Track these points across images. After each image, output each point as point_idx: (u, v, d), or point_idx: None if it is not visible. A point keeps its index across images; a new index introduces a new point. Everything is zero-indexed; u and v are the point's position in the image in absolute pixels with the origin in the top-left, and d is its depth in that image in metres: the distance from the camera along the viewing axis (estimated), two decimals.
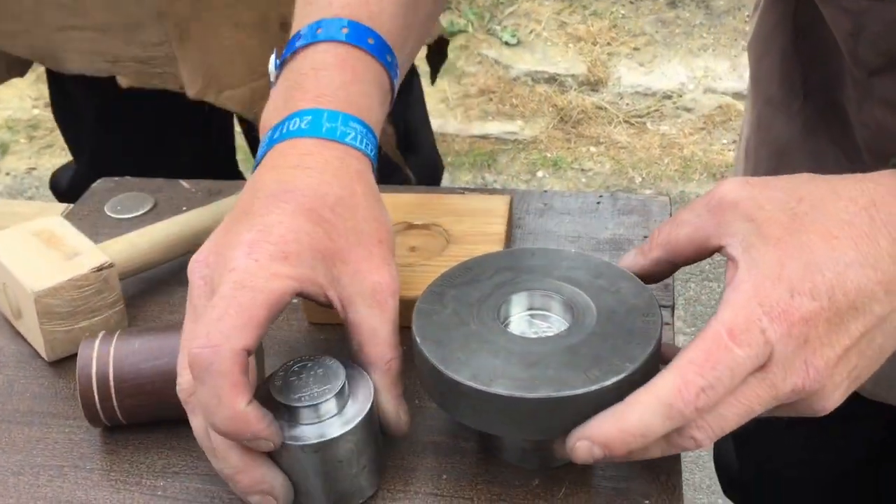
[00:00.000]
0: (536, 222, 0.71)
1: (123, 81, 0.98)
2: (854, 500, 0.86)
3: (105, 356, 0.54)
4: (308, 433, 0.47)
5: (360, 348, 0.50)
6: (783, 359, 0.43)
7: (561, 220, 0.71)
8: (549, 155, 2.57)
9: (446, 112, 2.77)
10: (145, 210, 0.77)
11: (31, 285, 0.59)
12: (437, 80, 2.88)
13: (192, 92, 0.98)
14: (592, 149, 2.58)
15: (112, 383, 0.53)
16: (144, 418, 0.55)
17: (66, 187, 1.25)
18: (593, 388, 0.45)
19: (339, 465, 0.48)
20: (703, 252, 0.49)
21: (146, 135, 1.12)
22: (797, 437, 0.82)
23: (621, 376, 0.45)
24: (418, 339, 0.49)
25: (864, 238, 0.44)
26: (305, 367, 0.49)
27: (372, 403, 0.48)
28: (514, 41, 2.93)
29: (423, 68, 1.21)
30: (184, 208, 0.77)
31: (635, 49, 2.87)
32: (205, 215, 0.70)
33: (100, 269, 0.61)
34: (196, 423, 0.48)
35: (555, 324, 0.51)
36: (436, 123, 2.77)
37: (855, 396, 0.48)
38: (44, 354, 0.61)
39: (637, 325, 0.48)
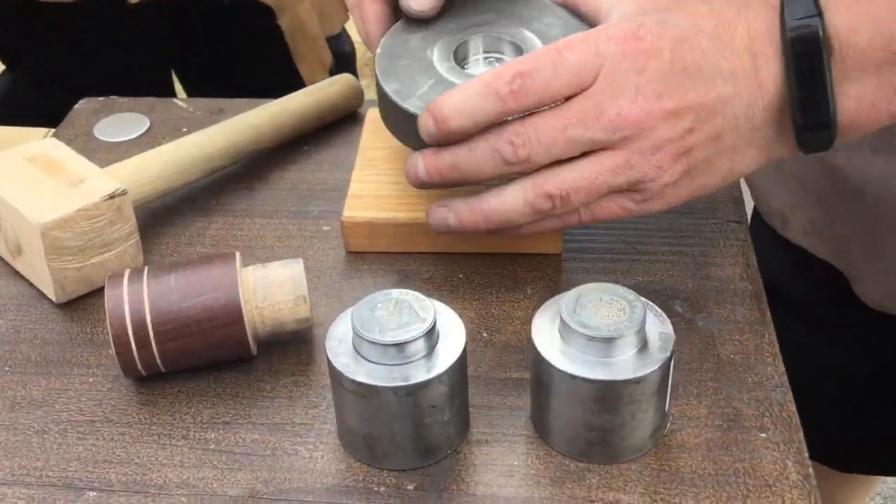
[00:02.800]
0: None
1: None
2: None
3: (139, 296, 0.47)
4: (398, 374, 0.41)
5: None
6: (613, 76, 0.44)
7: None
8: None
9: None
10: (140, 132, 0.69)
11: (36, 217, 0.51)
12: None
13: None
14: None
15: (150, 327, 0.46)
16: (186, 364, 0.48)
17: None
18: None
19: (433, 410, 0.42)
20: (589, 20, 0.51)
21: (80, 46, 1.02)
22: None
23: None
24: (378, 50, 0.53)
25: (726, 24, 0.45)
26: (390, 303, 0.43)
27: (465, 345, 0.43)
28: None
29: None
30: (184, 130, 0.69)
31: None
32: (215, 136, 0.62)
33: (112, 196, 0.53)
34: None
35: None
36: None
37: None
38: (52, 295, 0.53)
39: None
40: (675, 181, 0.46)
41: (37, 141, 0.59)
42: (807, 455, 0.44)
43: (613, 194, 0.47)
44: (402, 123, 0.51)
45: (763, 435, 0.44)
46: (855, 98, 0.45)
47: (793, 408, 0.46)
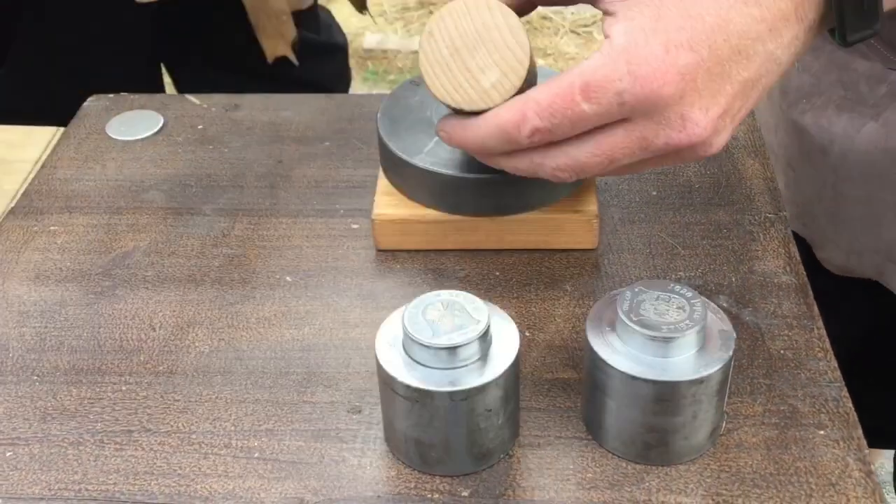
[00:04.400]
0: None
1: None
2: None
3: None
4: (452, 378, 0.40)
5: None
6: (652, 114, 0.42)
7: None
8: None
9: (385, 26, 2.64)
10: (155, 130, 0.67)
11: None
12: None
13: None
14: (541, 61, 2.51)
15: None
16: None
17: None
18: (496, 175, 0.50)
19: (488, 414, 0.41)
20: None
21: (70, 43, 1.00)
22: None
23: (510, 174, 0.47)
24: (379, 115, 0.56)
25: None
26: (440, 305, 0.41)
27: (519, 347, 0.42)
28: None
29: None
30: (199, 127, 0.67)
31: None
32: None
33: None
34: None
35: None
36: (374, 39, 2.66)
37: None
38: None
39: None
40: (725, 139, 0.45)
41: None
42: (867, 452, 0.43)
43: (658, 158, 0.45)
44: (411, 179, 0.53)
45: (822, 432, 0.44)
46: None
47: (849, 403, 0.45)
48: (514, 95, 0.44)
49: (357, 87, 2.41)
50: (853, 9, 0.43)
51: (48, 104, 0.78)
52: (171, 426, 0.46)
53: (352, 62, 2.63)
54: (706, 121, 0.42)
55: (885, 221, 0.64)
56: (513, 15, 0.45)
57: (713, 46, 0.41)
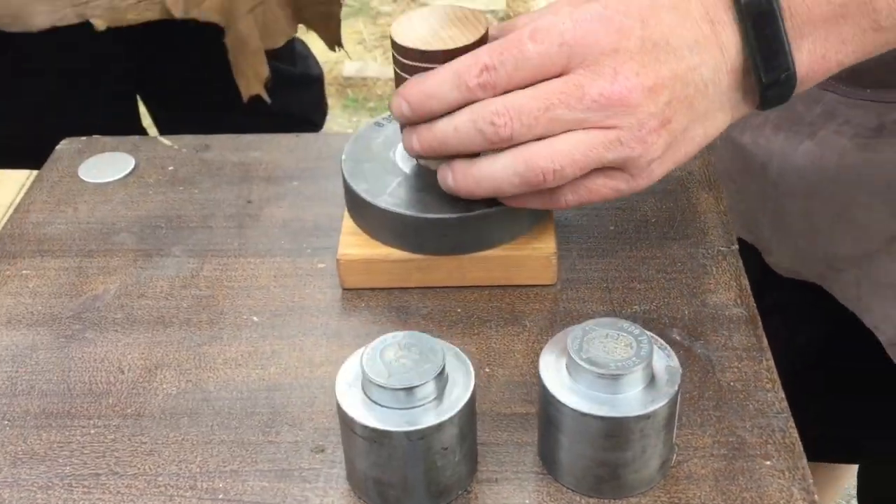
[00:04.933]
0: None
1: (99, 24, 0.89)
2: None
3: None
4: (409, 418, 0.41)
5: None
6: (588, 61, 0.46)
7: None
8: None
9: (364, 54, 2.67)
10: (126, 172, 0.68)
11: None
12: (353, 20, 2.77)
13: (178, 12, 0.92)
14: None
15: None
16: None
17: None
18: (456, 215, 0.53)
19: (444, 452, 0.42)
20: None
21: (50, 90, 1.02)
22: None
23: (484, 211, 0.53)
24: (343, 156, 0.57)
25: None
26: (397, 346, 0.43)
27: (473, 385, 0.43)
28: None
29: None
30: (170, 168, 0.68)
31: None
32: None
33: None
34: None
35: None
36: (354, 67, 2.68)
37: None
38: None
39: None
40: (660, 155, 0.48)
41: None
42: (811, 481, 0.44)
43: (600, 175, 0.49)
44: (375, 220, 0.55)
45: (768, 463, 0.45)
46: (807, 52, 0.48)
47: (795, 434, 0.47)
48: None
49: (337, 114, 2.43)
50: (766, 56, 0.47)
51: (22, 145, 0.79)
52: (139, 469, 0.47)
53: (332, 90, 2.65)
54: (636, 82, 0.46)
55: (824, 233, 0.67)
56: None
57: (645, 25, 0.46)
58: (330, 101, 1.38)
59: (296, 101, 1.14)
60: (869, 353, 0.70)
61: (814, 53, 0.48)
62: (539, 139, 0.48)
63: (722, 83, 0.48)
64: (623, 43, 0.46)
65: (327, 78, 1.42)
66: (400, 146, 0.58)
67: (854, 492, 1.30)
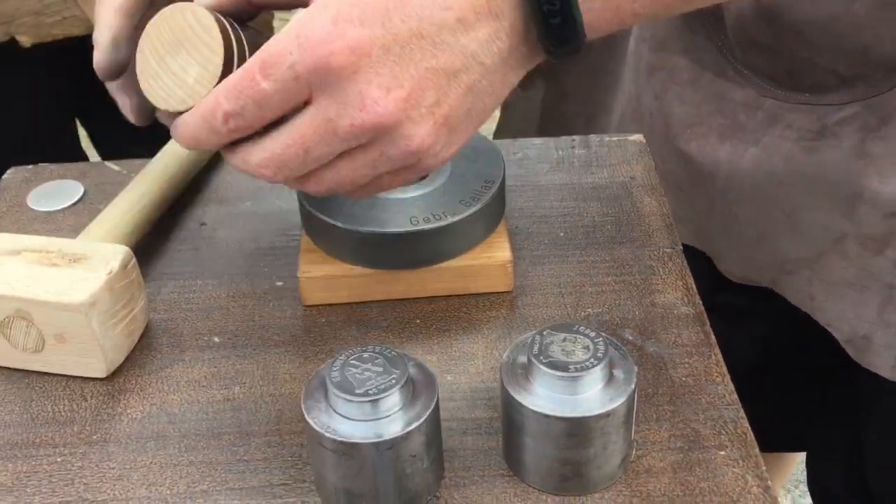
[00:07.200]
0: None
1: (25, 41, 0.89)
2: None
3: None
4: (377, 429, 0.43)
5: None
6: (330, 90, 0.42)
7: (539, 168, 0.68)
8: None
9: None
10: (76, 199, 0.68)
11: (72, 299, 0.51)
12: None
13: None
14: None
15: None
16: None
17: None
18: (411, 229, 0.54)
19: (413, 460, 0.44)
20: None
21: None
22: None
23: (438, 224, 0.55)
24: None
25: None
26: (362, 359, 0.44)
27: (437, 393, 0.44)
28: None
29: None
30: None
31: None
32: (162, 164, 0.65)
33: (125, 264, 0.53)
34: None
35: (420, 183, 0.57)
36: None
37: None
38: (100, 371, 0.53)
39: (474, 190, 0.57)
40: (445, 143, 0.45)
41: None
42: (764, 468, 0.47)
43: (386, 175, 0.46)
44: (331, 238, 0.56)
45: (722, 453, 0.47)
46: (601, 4, 0.43)
47: (746, 424, 0.49)
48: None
49: None
50: (548, 21, 0.42)
51: None
52: (109, 494, 0.47)
53: None
54: (387, 100, 0.42)
55: (775, 237, 0.69)
56: (204, 12, 0.46)
57: (388, 25, 0.41)
58: None
59: None
60: (817, 350, 0.73)
61: (608, 4, 0.43)
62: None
63: (503, 50, 0.43)
64: (362, 61, 0.41)
65: None
66: None
67: (802, 476, 1.34)
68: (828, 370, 0.78)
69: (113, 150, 0.80)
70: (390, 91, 0.42)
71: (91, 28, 0.96)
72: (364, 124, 0.42)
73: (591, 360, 0.44)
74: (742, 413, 0.49)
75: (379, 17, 0.41)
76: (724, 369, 0.52)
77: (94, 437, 0.50)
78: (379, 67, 0.42)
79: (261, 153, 0.45)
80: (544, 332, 0.45)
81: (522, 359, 0.45)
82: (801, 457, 1.02)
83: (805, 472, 0.86)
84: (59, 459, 0.49)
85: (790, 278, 0.70)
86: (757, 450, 0.47)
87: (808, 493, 0.89)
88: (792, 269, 0.70)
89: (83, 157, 1.15)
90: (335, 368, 0.44)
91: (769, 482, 0.46)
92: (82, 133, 1.20)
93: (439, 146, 0.45)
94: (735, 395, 0.50)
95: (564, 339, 0.45)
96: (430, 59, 0.42)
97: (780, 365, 0.83)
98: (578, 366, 0.44)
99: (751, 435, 0.48)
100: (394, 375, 0.43)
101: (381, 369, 0.44)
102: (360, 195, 0.48)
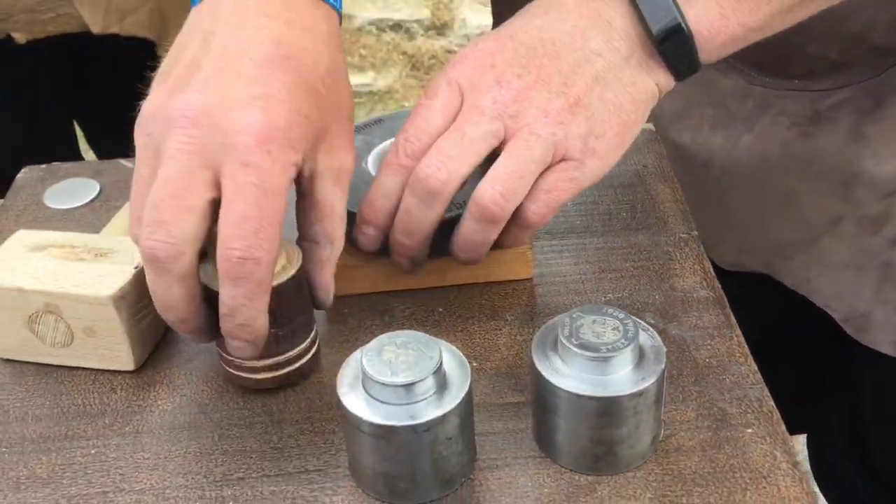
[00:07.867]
0: None
1: (20, 37, 0.89)
2: None
3: None
4: (414, 413, 0.43)
5: (316, 222, 0.49)
6: (473, 85, 0.50)
7: None
8: (407, 104, 2.53)
9: None
10: (92, 197, 0.68)
11: (101, 292, 0.51)
12: None
13: (96, 28, 0.93)
14: None
15: None
16: None
17: None
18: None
19: (448, 442, 0.44)
20: None
21: None
22: None
23: (459, 213, 0.52)
24: None
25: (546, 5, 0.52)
26: (394, 345, 0.45)
27: (470, 376, 0.45)
28: None
29: None
30: None
31: None
32: None
33: None
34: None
35: None
36: None
37: None
38: (129, 364, 0.53)
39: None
40: (588, 130, 0.49)
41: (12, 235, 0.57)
42: (792, 444, 0.48)
43: (549, 172, 0.50)
44: (353, 228, 0.55)
45: (749, 430, 0.48)
46: (703, 7, 0.49)
47: (771, 402, 0.50)
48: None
49: None
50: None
51: None
52: (146, 483, 0.48)
53: None
54: (520, 84, 0.49)
55: (770, 222, 0.70)
56: None
57: (515, 37, 0.51)
58: None
59: None
60: (814, 331, 0.74)
61: (710, 10, 0.49)
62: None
63: (621, 48, 0.50)
64: (497, 58, 0.50)
65: None
66: (372, 155, 0.59)
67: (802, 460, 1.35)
68: (826, 351, 0.79)
69: (110, 150, 0.81)
70: (520, 76, 0.50)
71: (84, 26, 0.96)
72: (502, 100, 0.49)
73: (622, 340, 0.44)
74: (766, 392, 0.50)
75: (507, 35, 0.52)
76: (747, 350, 0.53)
77: (127, 428, 0.51)
78: (510, 61, 0.50)
79: (425, 158, 0.50)
80: (574, 315, 0.46)
81: (552, 340, 0.46)
82: (801, 438, 1.03)
83: (806, 453, 0.87)
84: (93, 451, 0.50)
85: (786, 262, 0.71)
86: (783, 427, 0.48)
87: (812, 475, 0.90)
88: (788, 252, 0.71)
89: (81, 158, 1.15)
90: (371, 354, 0.44)
91: (798, 457, 0.47)
92: (81, 133, 1.20)
93: (581, 129, 0.49)
94: (759, 375, 0.51)
95: (594, 321, 0.46)
96: (553, 58, 0.50)
97: (777, 349, 0.84)
98: (609, 346, 0.44)
99: (777, 413, 0.49)
100: (428, 360, 0.44)
101: (415, 354, 0.44)
102: (532, 210, 0.51)
